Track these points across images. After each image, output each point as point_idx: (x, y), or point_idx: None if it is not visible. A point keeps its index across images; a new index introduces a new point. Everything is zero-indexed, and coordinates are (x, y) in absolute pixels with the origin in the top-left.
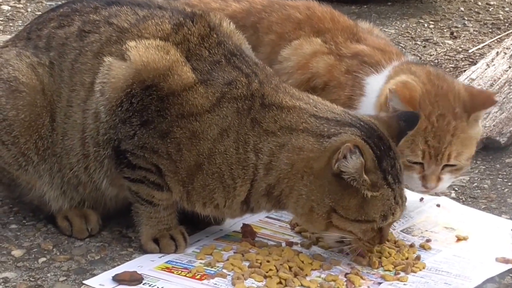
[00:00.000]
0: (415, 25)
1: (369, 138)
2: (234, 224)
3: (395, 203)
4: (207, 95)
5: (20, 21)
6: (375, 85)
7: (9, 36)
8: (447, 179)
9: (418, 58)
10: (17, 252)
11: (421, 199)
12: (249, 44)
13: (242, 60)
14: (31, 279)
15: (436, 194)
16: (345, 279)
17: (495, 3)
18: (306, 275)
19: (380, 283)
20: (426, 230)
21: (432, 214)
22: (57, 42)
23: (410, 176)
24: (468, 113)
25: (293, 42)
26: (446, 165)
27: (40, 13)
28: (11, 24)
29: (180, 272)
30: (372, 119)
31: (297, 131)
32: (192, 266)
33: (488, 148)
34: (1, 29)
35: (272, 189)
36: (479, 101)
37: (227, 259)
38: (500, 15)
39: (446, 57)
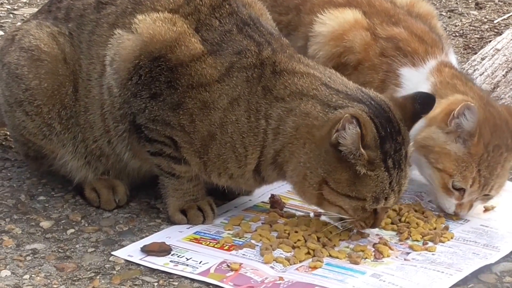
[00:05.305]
0: None
1: (376, 117)
2: (262, 194)
3: (390, 188)
4: (215, 65)
5: None
6: (413, 79)
7: (35, 9)
8: (475, 206)
9: (443, 28)
10: (45, 224)
11: None
12: (291, 25)
13: (255, 30)
14: (60, 250)
15: None
16: (374, 249)
17: None
18: (334, 245)
19: (408, 253)
20: None
21: None
22: (75, 13)
23: (447, 199)
24: None
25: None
26: None
27: None
28: None
29: (208, 243)
30: (386, 99)
31: (307, 96)
32: (220, 237)
33: None
34: (27, 1)
35: (277, 156)
36: None
37: (255, 230)
38: None
39: (471, 27)
